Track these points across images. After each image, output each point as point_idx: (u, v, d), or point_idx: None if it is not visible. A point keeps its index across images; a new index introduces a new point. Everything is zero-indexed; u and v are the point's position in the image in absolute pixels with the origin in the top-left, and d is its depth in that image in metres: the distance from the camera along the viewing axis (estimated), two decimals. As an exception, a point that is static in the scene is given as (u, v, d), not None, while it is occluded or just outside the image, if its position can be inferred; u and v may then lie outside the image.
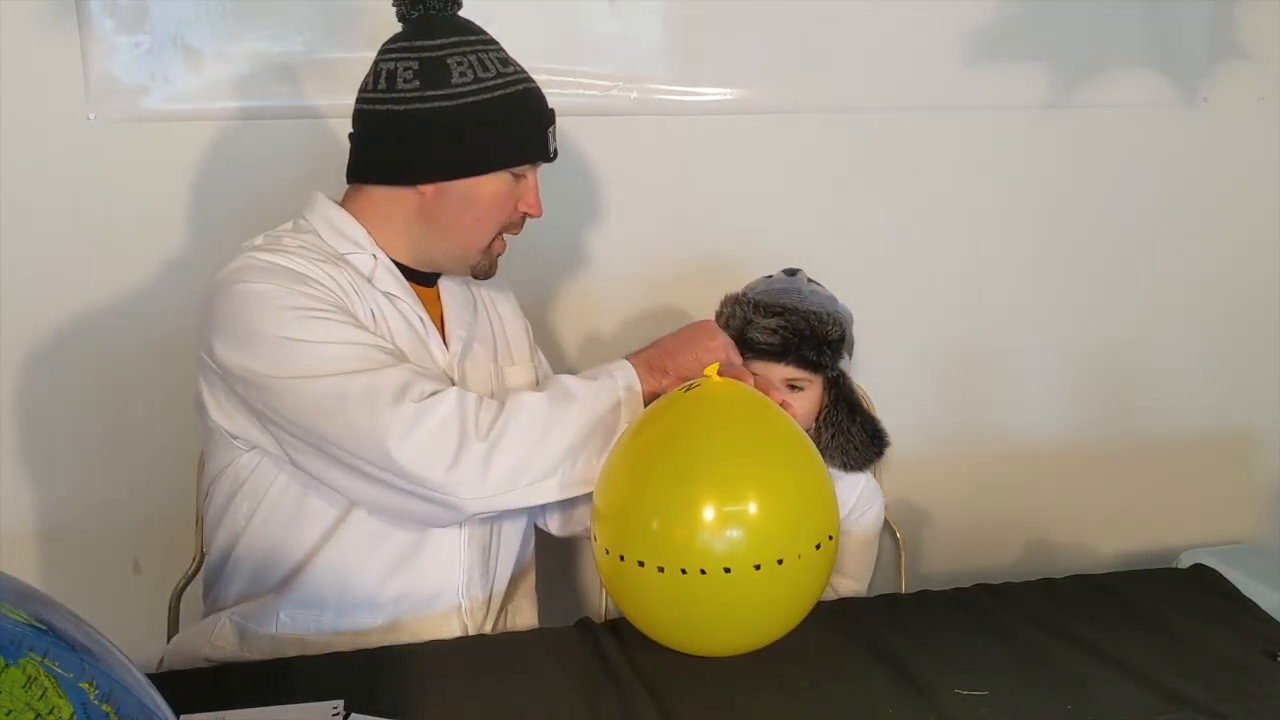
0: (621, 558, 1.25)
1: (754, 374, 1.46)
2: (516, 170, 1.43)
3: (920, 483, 2.19)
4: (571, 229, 2.01)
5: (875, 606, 1.50)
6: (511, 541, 1.53)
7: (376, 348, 1.34)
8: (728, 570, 1.20)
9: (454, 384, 1.40)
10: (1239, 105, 2.25)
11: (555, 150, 1.47)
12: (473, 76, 1.37)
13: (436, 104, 1.37)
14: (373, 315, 1.41)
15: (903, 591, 1.83)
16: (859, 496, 1.66)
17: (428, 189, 1.41)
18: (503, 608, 1.54)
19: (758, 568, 1.21)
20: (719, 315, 1.63)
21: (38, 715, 0.67)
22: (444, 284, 1.53)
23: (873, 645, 1.34)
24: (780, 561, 1.22)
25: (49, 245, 1.81)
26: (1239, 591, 1.52)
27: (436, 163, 1.39)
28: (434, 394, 1.30)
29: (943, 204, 2.17)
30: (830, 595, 1.58)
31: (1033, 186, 2.21)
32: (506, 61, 1.41)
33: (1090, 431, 2.32)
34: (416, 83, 1.37)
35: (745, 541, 1.21)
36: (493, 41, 1.42)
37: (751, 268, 1.72)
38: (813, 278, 1.67)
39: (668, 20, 1.99)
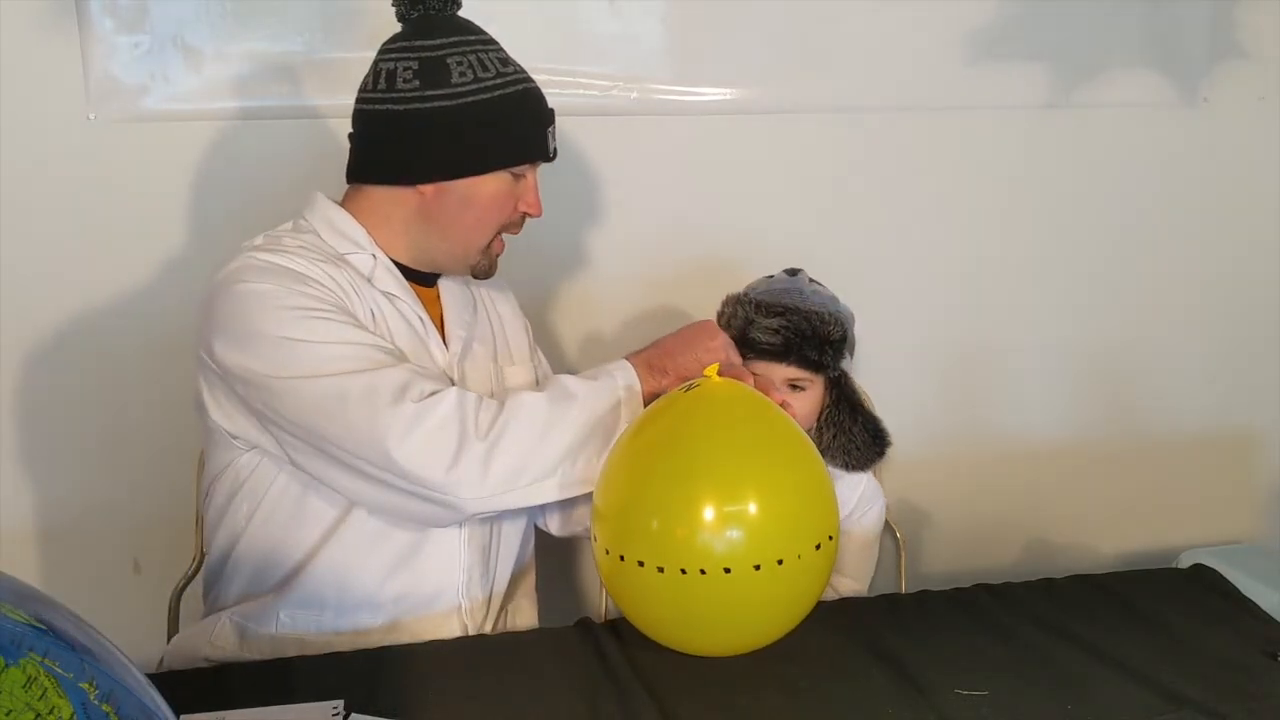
0: (621, 558, 1.25)
1: (755, 374, 1.46)
2: (516, 170, 1.43)
3: (920, 483, 2.19)
4: (571, 229, 2.01)
5: (875, 606, 1.50)
6: (511, 541, 1.53)
7: (376, 348, 1.34)
8: (728, 570, 1.20)
9: (454, 384, 1.40)
10: (1239, 105, 2.25)
11: (555, 150, 1.47)
12: (472, 76, 1.37)
13: (436, 104, 1.37)
14: (372, 315, 1.41)
15: (903, 591, 1.83)
16: (860, 496, 1.66)
17: (427, 189, 1.41)
18: (503, 608, 1.54)
19: (758, 568, 1.21)
20: (720, 315, 1.62)
21: (38, 715, 0.67)
22: (444, 284, 1.53)
23: (873, 645, 1.34)
24: (780, 562, 1.22)
25: (49, 245, 1.81)
26: (1239, 591, 1.52)
27: (436, 162, 1.39)
28: (434, 394, 1.30)
29: (943, 204, 2.17)
30: (831, 595, 1.58)
31: (1033, 186, 2.21)
32: (506, 61, 1.41)
33: (1090, 431, 2.32)
34: (416, 83, 1.37)
35: (745, 542, 1.21)
36: (492, 41, 1.42)
37: (751, 268, 1.72)
38: (814, 277, 1.67)
39: (668, 20, 1.99)
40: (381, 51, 1.42)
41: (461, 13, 1.43)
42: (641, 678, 1.26)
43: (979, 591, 1.51)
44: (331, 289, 1.37)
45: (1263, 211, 2.32)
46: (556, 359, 1.90)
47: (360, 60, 1.46)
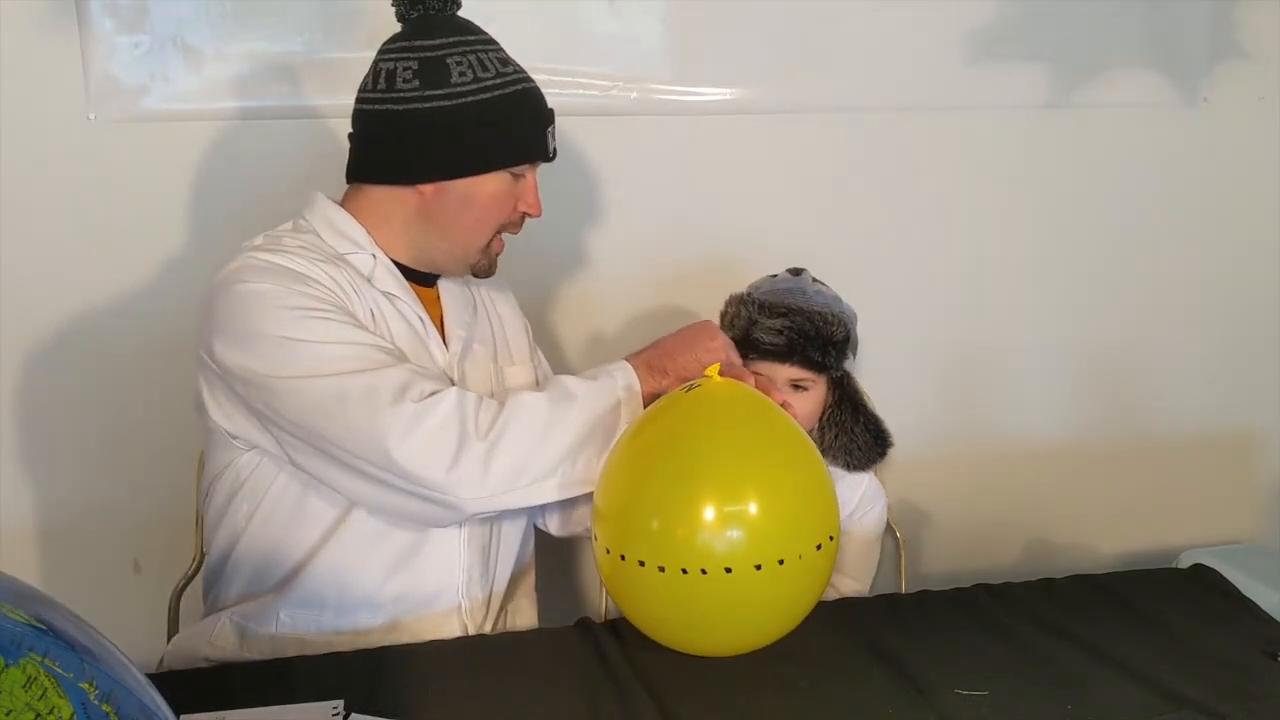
0: (622, 557, 1.25)
1: (758, 374, 1.46)
2: (516, 170, 1.43)
3: (920, 483, 2.19)
4: (571, 229, 2.01)
5: (875, 606, 1.50)
6: (511, 541, 1.53)
7: (376, 347, 1.34)
8: (728, 570, 1.20)
9: (454, 384, 1.40)
10: (1239, 105, 2.25)
11: (555, 150, 1.47)
12: (472, 76, 1.37)
13: (436, 104, 1.37)
14: (372, 315, 1.41)
15: (903, 591, 1.83)
16: (861, 496, 1.66)
17: (427, 189, 1.41)
18: (503, 608, 1.54)
19: (758, 568, 1.21)
20: (724, 315, 1.63)
21: (38, 715, 0.67)
22: (443, 284, 1.53)
23: (873, 645, 1.34)
24: (781, 562, 1.22)
25: (49, 245, 1.81)
26: (1239, 591, 1.52)
27: (436, 162, 1.39)
28: (434, 394, 1.30)
29: (943, 204, 2.17)
30: (832, 595, 1.58)
31: (1033, 186, 2.21)
32: (506, 61, 1.41)
33: (1090, 431, 2.32)
34: (416, 83, 1.37)
35: (746, 542, 1.21)
36: (492, 41, 1.42)
37: (752, 268, 1.72)
38: (817, 277, 1.67)
39: (668, 20, 1.99)
40: (381, 51, 1.42)
41: (461, 13, 1.43)
42: (641, 678, 1.26)
43: (979, 591, 1.51)
44: (331, 289, 1.37)
45: (1263, 211, 2.32)
46: (556, 359, 1.90)
47: (360, 60, 1.46)
